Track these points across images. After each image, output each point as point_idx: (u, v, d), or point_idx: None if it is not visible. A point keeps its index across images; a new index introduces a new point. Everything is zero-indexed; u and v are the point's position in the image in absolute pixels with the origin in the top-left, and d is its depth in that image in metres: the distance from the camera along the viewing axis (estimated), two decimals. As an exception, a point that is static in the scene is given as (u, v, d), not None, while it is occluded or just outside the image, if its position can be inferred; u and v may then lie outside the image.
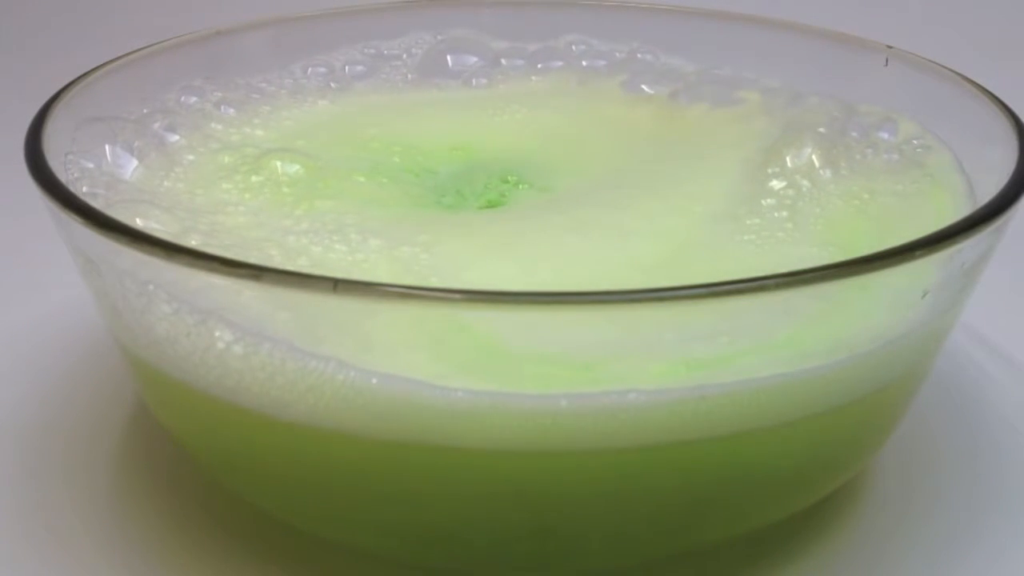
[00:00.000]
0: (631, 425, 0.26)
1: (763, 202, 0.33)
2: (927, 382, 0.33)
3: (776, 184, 0.34)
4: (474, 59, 0.44)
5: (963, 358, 0.40)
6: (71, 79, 0.35)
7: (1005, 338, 0.42)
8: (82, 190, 0.32)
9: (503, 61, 0.45)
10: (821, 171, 0.35)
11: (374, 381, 0.25)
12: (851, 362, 0.28)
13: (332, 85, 0.42)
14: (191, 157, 0.36)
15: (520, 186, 0.37)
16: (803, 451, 0.29)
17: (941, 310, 0.30)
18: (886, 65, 0.39)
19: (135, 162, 0.35)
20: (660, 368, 0.26)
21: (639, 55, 0.44)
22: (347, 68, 0.43)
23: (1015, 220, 0.29)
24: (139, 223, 0.30)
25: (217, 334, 0.26)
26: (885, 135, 0.38)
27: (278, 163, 0.35)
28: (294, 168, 0.35)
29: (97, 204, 0.28)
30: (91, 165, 0.33)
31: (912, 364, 0.31)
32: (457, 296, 0.24)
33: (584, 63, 0.45)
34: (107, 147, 0.34)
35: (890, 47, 0.39)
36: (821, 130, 0.37)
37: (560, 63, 0.45)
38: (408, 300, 0.24)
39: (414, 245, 0.31)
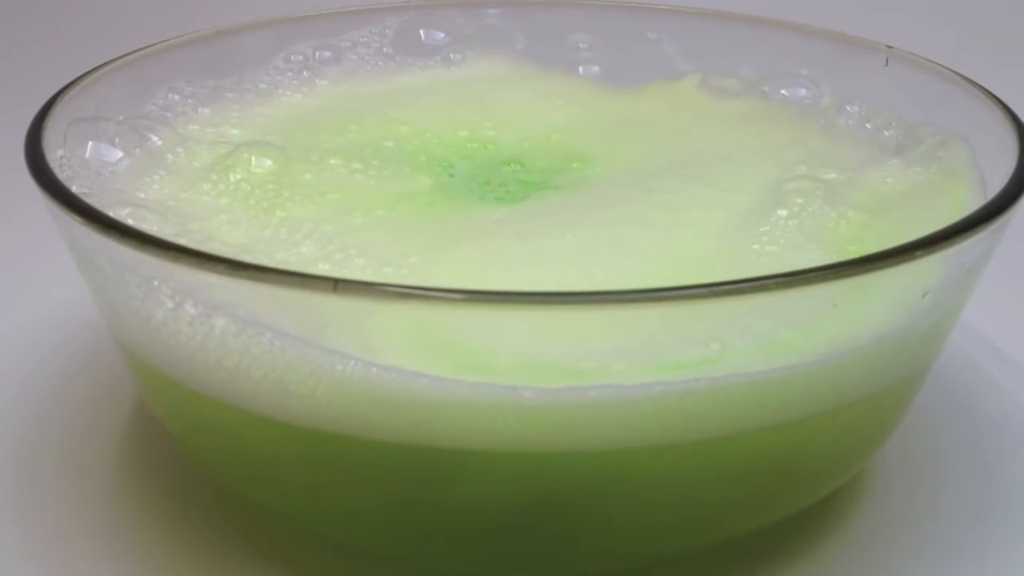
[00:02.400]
0: (632, 424, 0.26)
1: (779, 212, 0.33)
2: (927, 382, 0.33)
3: (793, 188, 0.34)
4: (442, 35, 0.44)
5: (963, 358, 0.40)
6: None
7: (1005, 338, 0.42)
8: (72, 191, 0.32)
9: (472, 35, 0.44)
10: (837, 172, 0.35)
11: (374, 371, 0.25)
12: (851, 362, 0.28)
13: (305, 74, 0.42)
14: (173, 158, 0.35)
15: (535, 184, 0.36)
16: (803, 451, 0.29)
17: (941, 310, 0.30)
18: (886, 65, 0.39)
19: (124, 164, 0.35)
20: (660, 369, 0.26)
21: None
22: (317, 53, 0.42)
23: (1015, 220, 0.29)
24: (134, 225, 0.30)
25: (219, 323, 0.26)
26: (900, 132, 0.37)
27: (252, 158, 0.35)
28: (266, 163, 0.34)
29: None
30: (80, 168, 0.33)
31: (912, 364, 0.31)
32: (457, 296, 0.24)
33: (582, 46, 0.44)
34: (98, 149, 0.34)
35: (890, 47, 0.39)
36: (836, 128, 0.36)
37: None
38: (408, 300, 0.24)
39: (400, 266, 0.30)
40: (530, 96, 0.42)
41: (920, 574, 0.32)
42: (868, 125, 0.38)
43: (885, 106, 0.38)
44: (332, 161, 0.35)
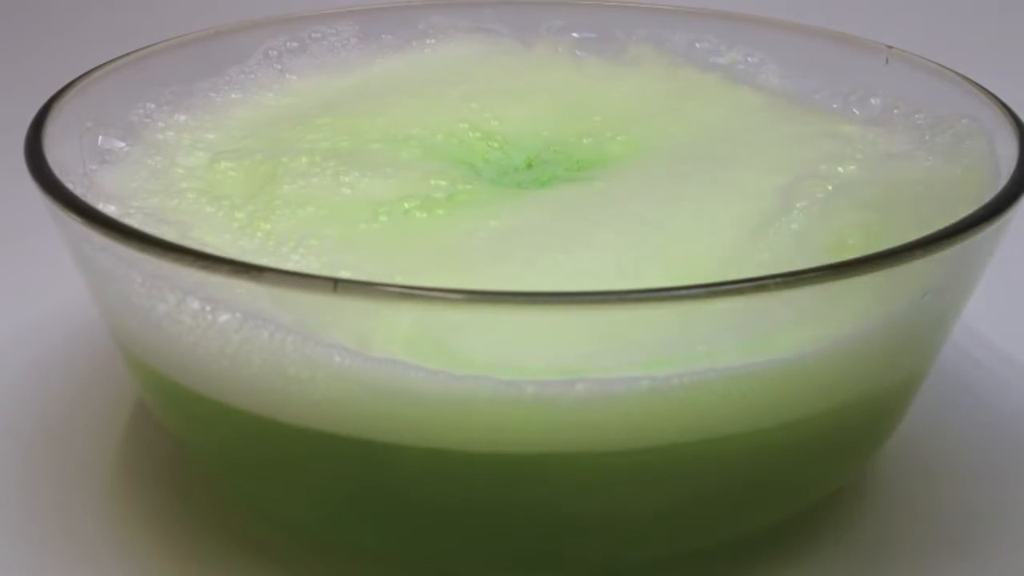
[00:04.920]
0: (632, 423, 0.26)
1: (791, 210, 0.32)
2: (927, 382, 0.33)
3: (811, 184, 0.33)
4: (413, 18, 0.44)
5: (963, 358, 0.40)
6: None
7: (1005, 338, 0.42)
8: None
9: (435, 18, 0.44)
10: (857, 164, 0.34)
11: (371, 363, 0.25)
12: (850, 362, 0.28)
13: (277, 67, 0.41)
14: (156, 166, 0.35)
15: (551, 177, 0.35)
16: (803, 452, 0.29)
17: (941, 310, 0.30)
18: (886, 64, 0.39)
19: (112, 172, 0.34)
20: (650, 366, 0.25)
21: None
22: (287, 44, 0.42)
23: (1015, 220, 0.29)
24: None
25: (221, 318, 0.26)
26: (928, 117, 0.37)
27: (230, 165, 0.34)
28: (245, 170, 0.34)
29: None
30: (74, 178, 0.33)
31: (912, 364, 0.31)
32: (457, 296, 0.24)
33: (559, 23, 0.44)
34: (87, 156, 0.34)
35: (890, 47, 0.39)
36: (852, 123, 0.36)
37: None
38: (408, 300, 0.24)
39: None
40: (521, 73, 0.41)
41: (920, 574, 0.32)
42: (896, 111, 0.38)
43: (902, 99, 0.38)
44: (312, 167, 0.34)
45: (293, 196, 0.33)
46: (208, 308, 0.27)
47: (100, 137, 0.35)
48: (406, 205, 0.32)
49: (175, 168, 0.35)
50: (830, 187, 0.33)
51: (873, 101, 0.39)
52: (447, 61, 0.43)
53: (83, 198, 0.31)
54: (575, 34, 0.44)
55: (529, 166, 0.37)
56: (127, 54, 0.38)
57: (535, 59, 0.43)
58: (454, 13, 0.44)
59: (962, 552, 0.33)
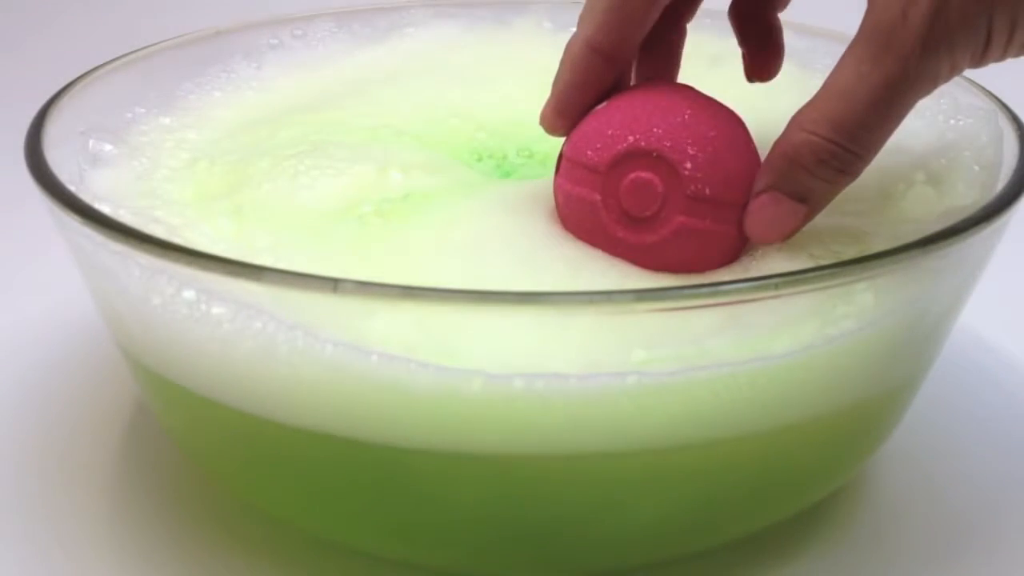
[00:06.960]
0: (622, 421, 0.26)
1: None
2: (928, 382, 0.33)
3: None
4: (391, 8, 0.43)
5: (963, 358, 0.40)
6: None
7: (1005, 338, 0.42)
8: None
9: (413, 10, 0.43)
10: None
11: (362, 354, 0.25)
12: (849, 364, 0.28)
13: (255, 66, 0.41)
14: (143, 168, 0.35)
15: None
16: (803, 453, 0.29)
17: (940, 311, 0.30)
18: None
19: (103, 176, 0.34)
20: (653, 365, 0.26)
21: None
22: (269, 42, 0.42)
23: (1015, 220, 0.29)
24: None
25: (215, 309, 0.27)
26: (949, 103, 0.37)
27: (210, 169, 0.34)
28: (222, 173, 0.34)
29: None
30: (69, 175, 0.33)
31: (911, 365, 0.31)
32: (457, 296, 0.24)
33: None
34: (79, 161, 0.34)
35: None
36: None
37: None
38: (407, 299, 0.24)
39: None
40: (504, 55, 0.41)
41: (919, 574, 0.32)
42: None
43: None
44: (274, 167, 0.34)
45: (260, 200, 0.32)
46: (203, 299, 0.27)
47: (91, 141, 0.35)
48: (364, 209, 0.31)
49: (160, 170, 0.35)
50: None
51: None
52: (426, 47, 0.42)
53: (88, 196, 0.31)
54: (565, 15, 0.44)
55: (522, 155, 0.36)
56: (116, 59, 0.38)
57: (516, 38, 0.43)
58: (434, 8, 0.44)
59: (961, 552, 0.33)
